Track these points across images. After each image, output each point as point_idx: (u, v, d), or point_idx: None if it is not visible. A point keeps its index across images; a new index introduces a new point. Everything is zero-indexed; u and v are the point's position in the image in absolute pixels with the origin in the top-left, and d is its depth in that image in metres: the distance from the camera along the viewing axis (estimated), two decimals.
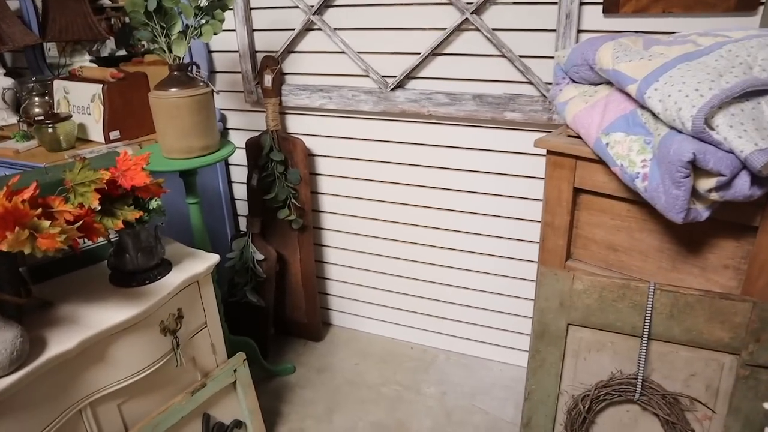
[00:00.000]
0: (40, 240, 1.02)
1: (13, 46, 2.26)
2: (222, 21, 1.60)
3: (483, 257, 2.00)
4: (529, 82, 1.70)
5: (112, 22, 2.78)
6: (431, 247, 2.08)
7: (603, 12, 1.54)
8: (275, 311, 2.25)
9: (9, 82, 2.30)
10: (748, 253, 1.09)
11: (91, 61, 2.55)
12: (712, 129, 0.93)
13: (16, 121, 2.21)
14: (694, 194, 1.00)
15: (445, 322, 2.20)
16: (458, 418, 1.91)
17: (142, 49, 2.62)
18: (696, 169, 0.96)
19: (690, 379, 1.15)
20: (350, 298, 2.35)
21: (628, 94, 1.11)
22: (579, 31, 1.59)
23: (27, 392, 1.16)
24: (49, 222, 1.05)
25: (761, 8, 1.42)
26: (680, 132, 0.97)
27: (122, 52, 2.74)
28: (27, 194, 1.10)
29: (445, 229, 2.02)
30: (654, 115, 1.05)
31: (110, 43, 2.76)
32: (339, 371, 2.16)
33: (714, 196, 0.97)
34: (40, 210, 1.09)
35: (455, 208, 1.97)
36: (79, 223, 1.13)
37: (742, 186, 0.93)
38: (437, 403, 1.98)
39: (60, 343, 1.21)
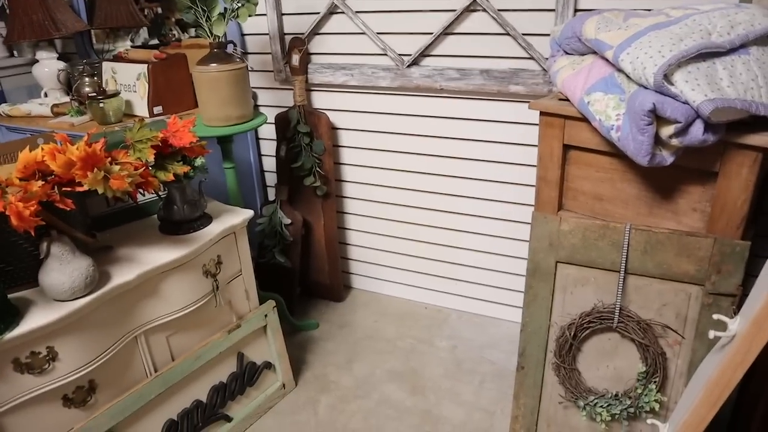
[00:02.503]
0: (112, 180, 1.24)
1: (66, 32, 2.50)
2: (256, 4, 1.81)
3: (492, 221, 2.18)
4: (532, 58, 1.87)
5: (146, 13, 3.00)
6: (444, 212, 2.27)
7: None
8: (301, 273, 2.46)
9: (62, 64, 2.55)
10: (712, 197, 1.26)
11: (132, 46, 2.79)
12: (671, 84, 1.11)
13: (68, 99, 2.45)
14: (659, 141, 1.17)
15: (458, 284, 2.38)
16: (468, 367, 2.10)
17: (173, 38, 2.84)
18: (658, 118, 1.13)
19: (662, 308, 1.32)
20: (370, 262, 2.55)
21: (607, 60, 1.28)
22: (576, 10, 1.75)
23: (96, 314, 1.38)
24: (119, 167, 1.27)
25: None
26: (646, 88, 1.14)
27: (154, 41, 2.96)
28: (99, 146, 1.32)
29: (457, 195, 2.21)
30: (627, 76, 1.22)
31: (143, 33, 2.98)
32: (359, 327, 2.37)
33: (674, 141, 1.14)
34: (109, 158, 1.31)
35: (466, 176, 2.16)
36: (141, 170, 1.34)
37: (697, 132, 1.10)
38: (449, 354, 2.17)
39: (122, 275, 1.44)
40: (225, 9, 1.79)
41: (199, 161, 1.60)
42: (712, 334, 1.01)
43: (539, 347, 1.47)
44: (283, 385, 1.99)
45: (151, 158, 1.44)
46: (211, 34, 1.78)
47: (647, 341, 1.31)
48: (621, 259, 1.31)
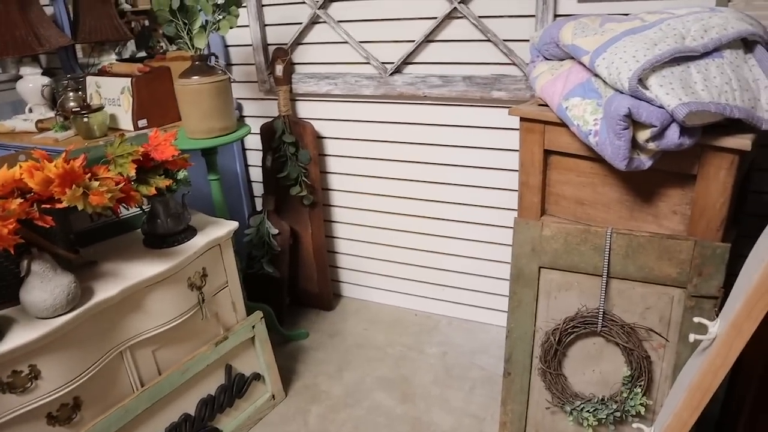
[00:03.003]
0: (91, 196, 1.24)
1: (50, 47, 2.49)
2: (237, 16, 1.81)
3: (479, 226, 2.18)
4: (513, 63, 1.88)
5: (133, 26, 2.99)
6: (431, 219, 2.27)
7: None
8: (290, 282, 2.45)
9: (46, 80, 2.54)
10: (691, 200, 1.26)
11: (117, 60, 2.78)
12: (646, 88, 1.11)
13: (53, 115, 2.44)
14: (637, 146, 1.18)
15: (447, 290, 2.38)
16: (457, 373, 2.10)
17: (161, 50, 2.84)
18: (635, 123, 1.14)
19: (645, 311, 1.32)
20: (359, 270, 2.55)
21: (584, 65, 1.29)
22: (556, 16, 1.76)
23: (79, 331, 1.37)
24: (98, 182, 1.26)
25: None
26: (621, 92, 1.15)
27: (142, 54, 2.96)
28: (78, 162, 1.31)
29: (443, 202, 2.21)
30: (604, 81, 1.23)
31: (131, 46, 2.98)
32: (349, 336, 2.36)
33: (651, 145, 1.14)
34: (89, 174, 1.31)
35: (451, 182, 2.16)
36: (120, 185, 1.34)
37: (673, 136, 1.11)
38: (438, 361, 2.17)
39: (104, 291, 1.43)
40: (206, 21, 1.79)
41: (181, 174, 1.60)
42: (692, 337, 1.01)
43: (525, 353, 1.47)
44: (273, 396, 1.98)
45: (133, 173, 1.44)
46: (193, 46, 1.78)
47: (631, 345, 1.31)
48: (603, 263, 1.31)
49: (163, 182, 1.51)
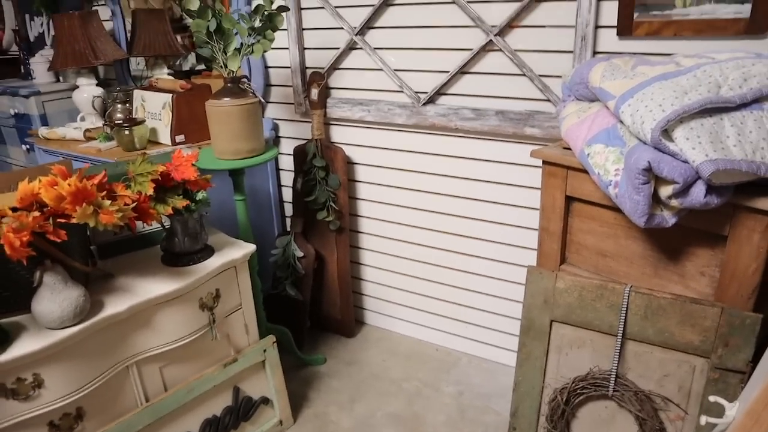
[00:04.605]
0: (101, 215, 1.26)
1: (105, 60, 2.61)
2: (271, 41, 1.83)
3: (506, 265, 2.10)
4: (548, 100, 1.80)
5: (194, 39, 3.10)
6: (459, 254, 2.20)
7: (617, 34, 1.63)
8: (312, 306, 2.44)
9: (99, 91, 2.65)
10: (721, 262, 1.15)
11: (168, 74, 2.88)
12: (671, 141, 1.03)
13: (102, 125, 2.54)
14: (659, 201, 1.09)
15: (470, 327, 2.30)
16: (471, 416, 2.01)
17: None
18: (658, 177, 1.05)
19: (663, 379, 1.22)
20: (383, 299, 2.50)
21: (610, 110, 1.21)
22: (595, 53, 1.68)
23: (85, 343, 1.39)
24: (110, 201, 1.29)
25: None
26: (644, 143, 1.07)
27: (201, 66, 3.05)
28: (96, 179, 1.34)
29: (472, 237, 2.14)
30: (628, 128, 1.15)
31: (191, 58, 3.09)
32: (366, 365, 2.31)
33: (674, 203, 1.05)
34: (105, 192, 1.33)
35: (479, 217, 2.09)
36: (134, 204, 1.36)
37: (698, 194, 1.02)
38: (453, 401, 2.09)
39: (114, 306, 1.45)
40: (241, 44, 1.81)
41: (200, 195, 1.61)
42: (703, 419, 0.91)
43: (532, 408, 1.38)
44: (281, 422, 1.96)
45: (151, 191, 1.46)
46: (227, 68, 1.81)
47: (644, 414, 1.21)
48: (619, 322, 1.22)
49: (181, 203, 1.52)
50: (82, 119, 2.66)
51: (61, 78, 2.96)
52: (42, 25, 3.17)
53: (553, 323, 1.31)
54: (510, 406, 2.00)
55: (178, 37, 2.84)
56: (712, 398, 0.95)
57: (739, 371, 1.12)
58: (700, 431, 1.19)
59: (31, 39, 3.26)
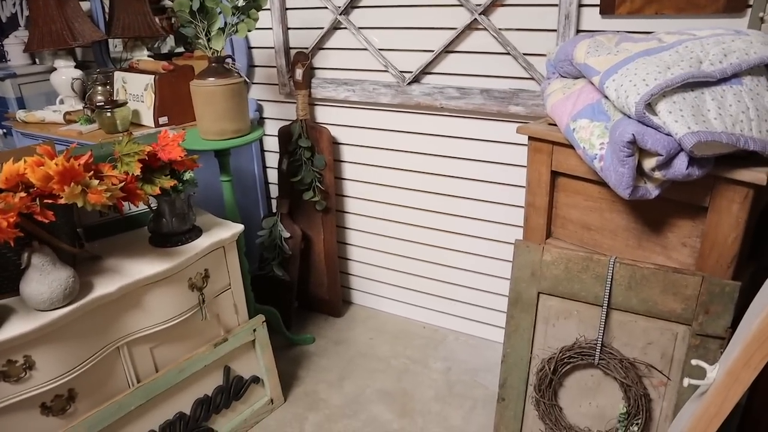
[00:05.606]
0: (90, 195, 1.25)
1: (83, 41, 2.56)
2: (256, 20, 1.81)
3: (491, 242, 2.13)
4: (532, 78, 1.82)
5: (173, 21, 3.05)
6: (443, 232, 2.23)
7: (600, 13, 1.65)
8: (299, 286, 2.45)
9: (77, 73, 2.60)
10: (702, 233, 1.19)
11: (148, 56, 2.83)
12: (655, 114, 1.06)
13: (81, 108, 2.50)
14: (643, 173, 1.12)
15: (456, 305, 2.34)
16: (459, 390, 2.05)
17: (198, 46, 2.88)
18: (641, 150, 1.08)
19: (647, 347, 1.26)
20: (370, 278, 2.52)
21: (595, 86, 1.24)
22: (578, 31, 1.70)
23: (75, 325, 1.39)
24: (98, 181, 1.28)
25: (749, 10, 1.50)
26: (628, 117, 1.09)
27: (180, 49, 3.01)
28: (83, 159, 1.33)
29: (457, 215, 2.17)
30: (613, 103, 1.17)
31: (170, 41, 3.04)
32: (354, 344, 2.34)
33: (657, 174, 1.09)
34: (92, 172, 1.32)
35: (465, 195, 2.12)
36: (121, 185, 1.35)
37: (680, 165, 1.05)
38: (441, 377, 2.13)
39: (103, 287, 1.45)
40: (225, 24, 1.80)
41: (187, 175, 1.61)
42: (686, 381, 0.96)
43: (520, 379, 1.42)
44: (272, 401, 1.98)
45: (138, 172, 1.45)
46: (210, 48, 1.79)
47: (629, 381, 1.25)
48: (604, 293, 1.25)
49: (168, 182, 1.52)
50: (62, 102, 2.61)
51: (37, 60, 2.89)
52: (15, 5, 3.09)
53: (541, 295, 1.35)
54: (498, 379, 2.06)
55: (156, 19, 2.78)
56: (694, 362, 0.99)
57: (719, 337, 1.17)
58: (683, 394, 1.24)
59: (3, 20, 3.18)
